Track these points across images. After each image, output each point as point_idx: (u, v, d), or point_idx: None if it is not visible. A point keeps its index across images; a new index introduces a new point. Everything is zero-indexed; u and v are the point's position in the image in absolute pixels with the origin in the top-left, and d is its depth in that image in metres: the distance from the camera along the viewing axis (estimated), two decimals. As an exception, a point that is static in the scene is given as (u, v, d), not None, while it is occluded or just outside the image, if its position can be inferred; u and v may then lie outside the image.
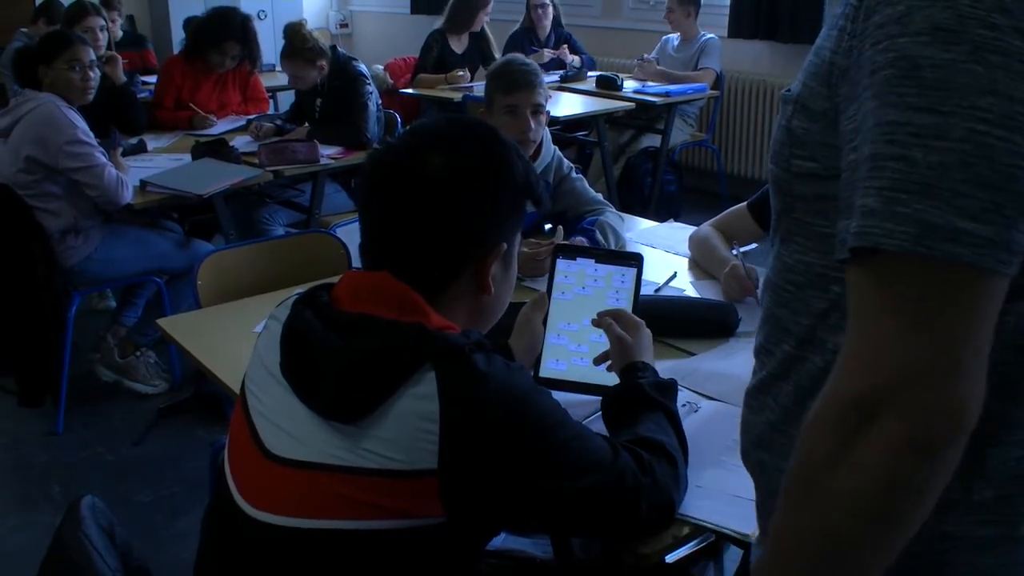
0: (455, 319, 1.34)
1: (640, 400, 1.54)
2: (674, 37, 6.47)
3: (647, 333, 1.72)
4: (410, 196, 1.31)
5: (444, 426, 1.17)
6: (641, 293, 1.85)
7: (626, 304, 1.81)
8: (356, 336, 1.23)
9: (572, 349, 1.83)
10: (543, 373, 1.80)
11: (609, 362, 1.72)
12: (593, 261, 1.88)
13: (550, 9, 6.82)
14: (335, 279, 1.37)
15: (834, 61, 0.92)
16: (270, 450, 1.25)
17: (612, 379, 1.67)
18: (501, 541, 1.83)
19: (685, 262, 2.62)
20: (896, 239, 0.80)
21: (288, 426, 1.25)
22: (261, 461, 1.25)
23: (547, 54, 6.62)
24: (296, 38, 4.50)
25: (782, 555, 0.92)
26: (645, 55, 6.44)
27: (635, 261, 1.87)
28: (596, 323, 1.73)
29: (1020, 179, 0.79)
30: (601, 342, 1.75)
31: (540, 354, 1.81)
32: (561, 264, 1.88)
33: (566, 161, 2.91)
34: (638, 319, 1.74)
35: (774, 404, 1.07)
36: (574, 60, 6.78)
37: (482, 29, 6.46)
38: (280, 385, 1.28)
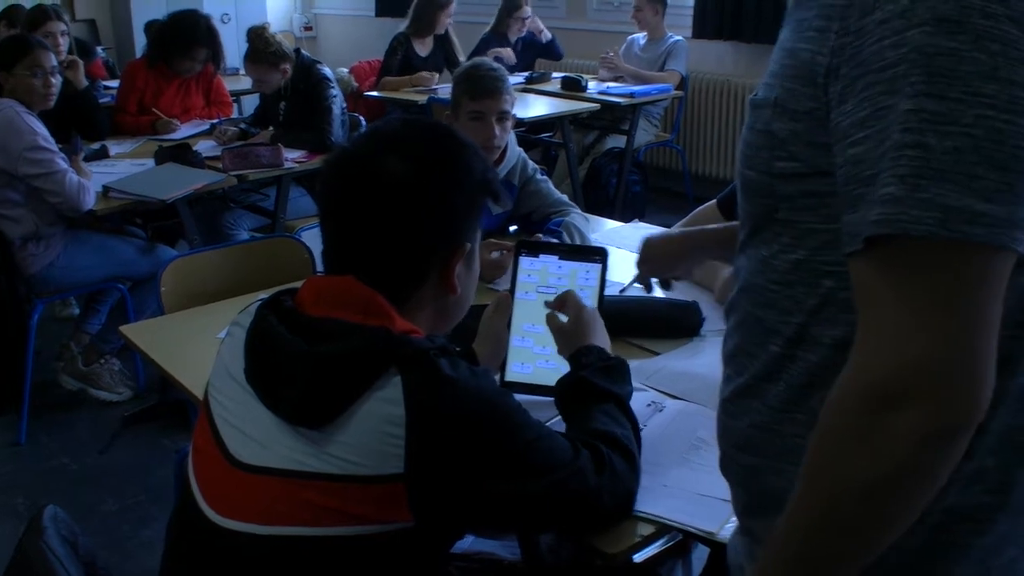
0: (420, 321, 1.34)
1: (589, 393, 1.55)
2: (640, 37, 6.49)
3: (590, 312, 1.72)
4: (370, 200, 1.31)
5: (410, 431, 1.17)
6: (606, 294, 1.84)
7: (591, 302, 1.80)
8: (320, 341, 1.22)
9: (537, 351, 1.82)
10: (509, 377, 1.79)
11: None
12: (556, 258, 1.87)
13: (529, 21, 6.79)
14: (300, 284, 1.37)
15: (818, 61, 0.93)
16: (235, 457, 1.25)
17: (577, 380, 1.67)
18: (469, 544, 1.83)
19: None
20: (923, 225, 0.83)
21: (253, 432, 1.25)
22: (226, 468, 1.25)
23: (507, 56, 6.58)
24: (259, 42, 4.48)
25: (797, 537, 0.94)
26: (609, 51, 6.45)
27: (599, 256, 1.86)
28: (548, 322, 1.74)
29: None
30: None
31: (505, 358, 1.81)
32: (524, 262, 1.86)
33: (531, 163, 2.92)
34: (579, 301, 1.74)
35: (761, 407, 1.07)
36: (545, 32, 6.78)
37: (446, 32, 6.45)
38: (245, 391, 1.28)
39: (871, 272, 0.88)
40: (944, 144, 0.83)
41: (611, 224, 3.16)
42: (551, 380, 1.69)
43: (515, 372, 1.81)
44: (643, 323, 2.14)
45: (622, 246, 2.81)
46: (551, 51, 6.98)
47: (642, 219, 3.43)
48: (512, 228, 2.82)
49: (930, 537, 0.99)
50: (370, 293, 1.28)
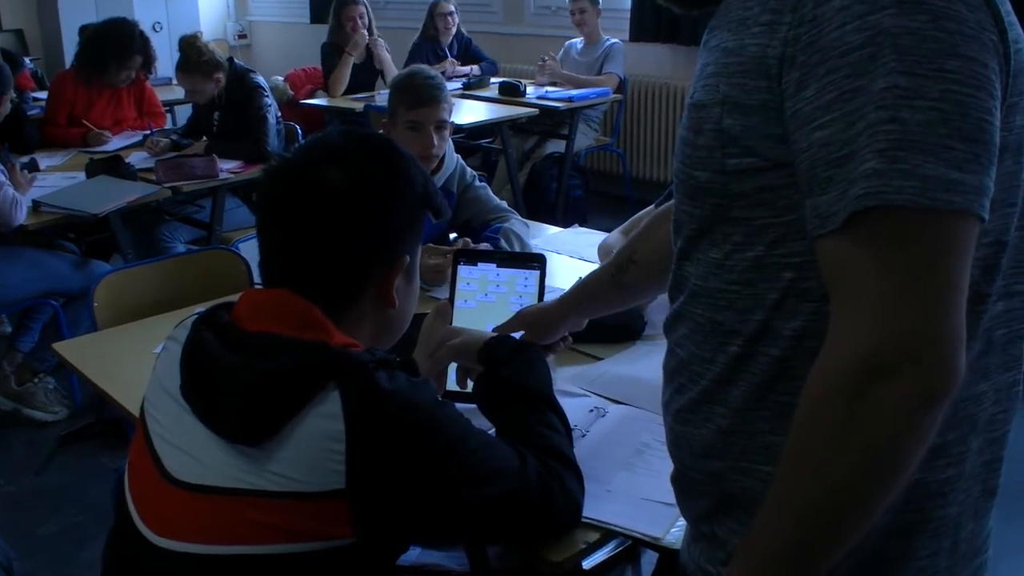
0: (359, 335, 1.33)
1: (515, 394, 1.55)
2: (577, 42, 6.52)
3: (446, 316, 1.76)
4: (309, 212, 1.30)
5: (350, 446, 1.16)
6: (546, 299, 1.85)
7: None
8: (257, 356, 1.22)
9: None
10: (449, 386, 1.79)
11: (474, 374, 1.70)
12: (495, 265, 1.87)
13: (456, 17, 6.83)
14: (236, 297, 1.36)
15: (768, 54, 0.95)
16: (172, 475, 1.23)
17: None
18: (415, 556, 1.82)
19: (592, 268, 2.64)
20: (904, 194, 0.86)
21: (190, 450, 1.23)
22: (163, 487, 1.23)
23: (450, 67, 6.60)
24: (191, 51, 4.44)
25: (790, 524, 0.95)
26: (546, 56, 6.47)
27: (538, 263, 1.87)
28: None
29: (988, 131, 0.89)
30: None
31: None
32: (463, 271, 1.86)
33: (469, 169, 2.92)
34: (445, 306, 1.79)
35: (724, 411, 1.08)
36: (473, 69, 6.80)
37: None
38: (181, 408, 1.26)
39: (849, 249, 0.90)
40: (916, 117, 0.87)
41: (552, 229, 3.17)
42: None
43: (455, 381, 1.80)
44: (585, 328, 2.14)
45: (563, 252, 2.83)
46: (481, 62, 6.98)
47: (583, 224, 3.46)
48: (452, 236, 2.82)
49: (900, 516, 1.02)
50: (307, 307, 1.28)
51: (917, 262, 0.88)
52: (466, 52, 6.99)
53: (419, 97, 2.67)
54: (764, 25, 0.97)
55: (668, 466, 1.23)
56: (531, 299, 1.83)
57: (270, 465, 1.17)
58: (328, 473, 1.16)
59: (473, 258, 1.89)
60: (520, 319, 1.75)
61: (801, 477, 0.94)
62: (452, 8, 6.78)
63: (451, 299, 1.85)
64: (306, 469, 1.16)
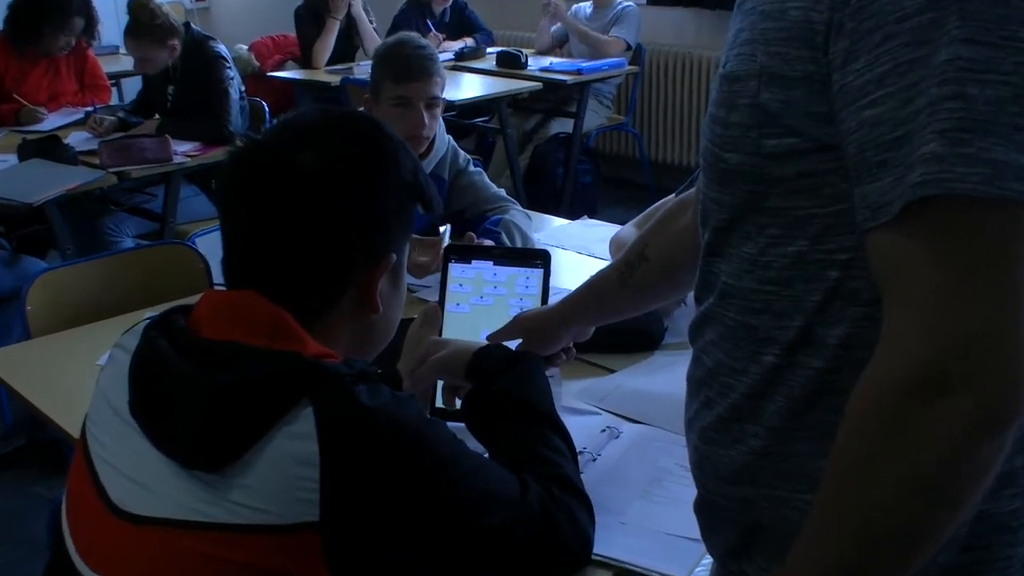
0: (337, 345, 1.33)
1: (512, 410, 1.54)
2: (586, 5, 6.52)
3: (435, 322, 1.75)
4: (279, 201, 1.30)
5: (325, 470, 1.16)
6: (551, 300, 1.84)
7: None
8: (219, 368, 1.21)
9: None
10: (439, 403, 1.79)
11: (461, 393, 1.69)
12: (491, 263, 1.87)
13: None
14: (195, 299, 1.36)
15: (813, 19, 0.96)
16: (117, 505, 1.23)
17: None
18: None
19: (603, 265, 2.64)
20: (969, 182, 0.86)
21: (139, 476, 1.23)
22: (107, 518, 1.23)
23: (434, 40, 6.57)
24: (142, 13, 4.44)
25: (829, 561, 0.95)
26: None
27: (541, 260, 1.86)
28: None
29: None
30: None
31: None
32: (455, 270, 1.86)
33: (462, 153, 2.93)
34: (434, 310, 1.77)
35: (757, 429, 1.09)
36: (467, 43, 6.79)
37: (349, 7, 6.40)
38: (129, 427, 1.26)
39: (904, 244, 0.90)
40: (985, 93, 0.86)
41: (558, 222, 3.18)
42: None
43: (442, 400, 1.80)
44: (595, 336, 2.14)
45: (570, 247, 2.84)
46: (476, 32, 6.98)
47: (593, 215, 3.46)
48: (442, 228, 2.82)
49: (962, 554, 1.02)
50: (277, 311, 1.27)
51: (982, 260, 0.88)
52: (460, 20, 6.97)
53: (408, 69, 2.66)
54: None
55: (691, 494, 1.23)
56: (533, 302, 1.83)
57: (231, 494, 1.17)
58: (299, 503, 1.16)
59: (467, 255, 1.89)
60: (517, 325, 1.75)
61: (843, 506, 0.94)
62: None
63: (441, 302, 1.84)
64: (273, 498, 1.16)
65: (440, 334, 1.80)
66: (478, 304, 1.85)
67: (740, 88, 1.04)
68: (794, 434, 1.06)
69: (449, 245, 1.97)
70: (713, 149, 1.09)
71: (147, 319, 1.36)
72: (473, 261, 1.87)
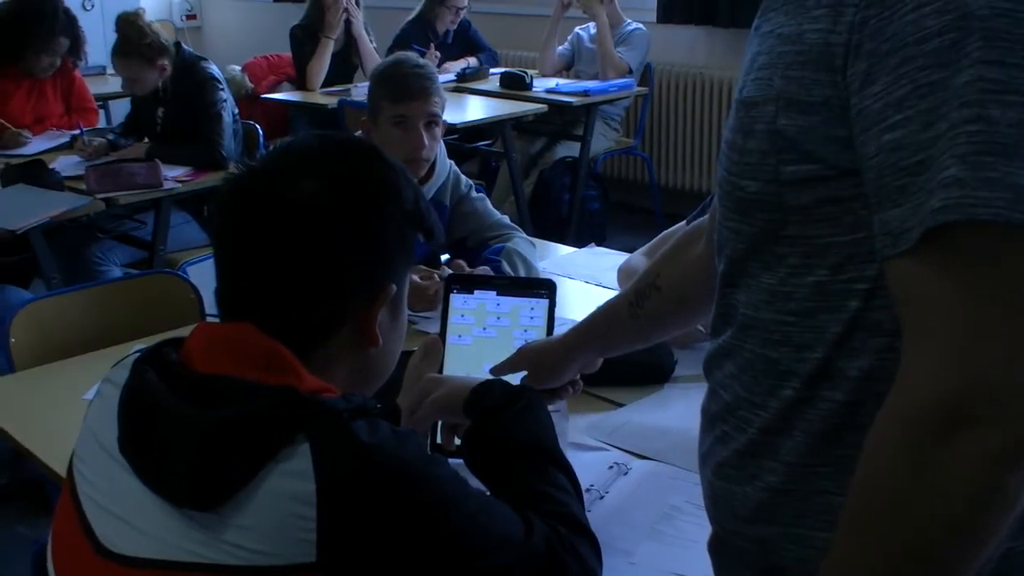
0: (334, 379, 1.33)
1: (514, 450, 1.53)
2: (590, 26, 6.51)
3: (436, 354, 1.74)
4: (276, 230, 1.30)
5: (322, 510, 1.16)
6: (556, 332, 1.84)
7: None
8: (212, 403, 1.22)
9: None
10: (440, 439, 1.79)
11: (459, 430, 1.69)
12: (495, 293, 1.87)
13: (464, 12, 6.82)
14: (186, 331, 1.36)
15: (832, 41, 0.97)
16: (106, 546, 1.23)
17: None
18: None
19: (611, 295, 2.65)
20: (993, 207, 0.86)
21: (128, 516, 1.23)
22: (94, 559, 1.24)
23: (432, 58, 6.58)
24: (131, 31, 4.46)
25: None
26: None
27: (546, 290, 1.87)
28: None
29: None
30: None
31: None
32: (456, 300, 1.86)
33: (464, 178, 2.94)
34: (435, 342, 1.75)
35: (776, 465, 1.09)
36: (470, 62, 6.80)
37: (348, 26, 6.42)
38: (118, 465, 1.27)
39: (924, 273, 0.91)
40: (1008, 115, 0.87)
41: (564, 250, 3.19)
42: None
43: (440, 439, 1.80)
44: (603, 368, 2.14)
45: (577, 276, 2.84)
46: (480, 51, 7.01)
47: (601, 243, 3.47)
48: (444, 257, 2.83)
49: None
50: (272, 344, 1.28)
51: (1006, 289, 0.88)
52: (464, 39, 6.98)
53: (407, 88, 2.69)
54: (827, 7, 0.98)
55: (703, 533, 1.23)
56: (538, 333, 1.83)
57: (226, 534, 1.17)
58: (295, 543, 1.16)
59: (469, 284, 1.89)
60: (521, 357, 1.75)
61: (861, 544, 0.94)
62: (465, 2, 6.73)
63: (442, 334, 1.85)
64: (269, 538, 1.16)
65: (441, 367, 1.79)
66: (481, 336, 1.85)
67: (757, 113, 1.05)
68: (814, 471, 1.06)
69: (451, 275, 1.98)
70: (730, 177, 1.10)
71: (136, 352, 1.36)
72: (476, 291, 1.87)
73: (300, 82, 6.37)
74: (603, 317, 1.73)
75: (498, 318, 1.85)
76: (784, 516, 1.09)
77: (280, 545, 1.16)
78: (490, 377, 1.70)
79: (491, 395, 1.61)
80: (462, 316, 1.86)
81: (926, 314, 0.91)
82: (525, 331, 1.83)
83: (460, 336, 1.85)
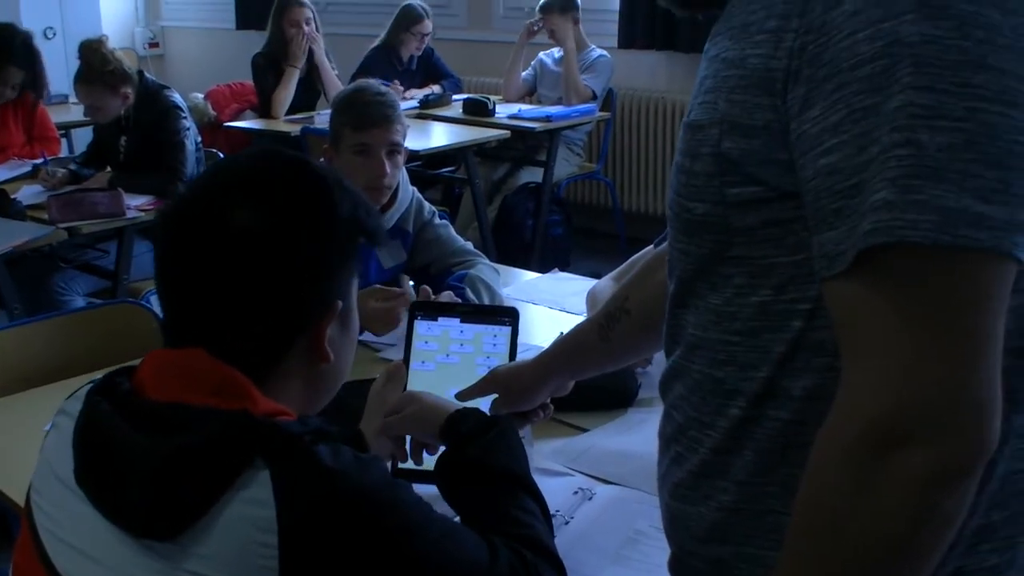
0: (288, 397, 1.33)
1: (485, 476, 1.53)
2: (556, 50, 6.56)
3: (399, 380, 1.76)
4: (213, 257, 1.29)
5: (284, 537, 1.16)
6: (519, 358, 1.85)
7: None
8: (166, 431, 1.21)
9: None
10: (403, 464, 1.79)
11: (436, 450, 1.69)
12: (458, 320, 1.87)
13: (428, 39, 6.83)
14: (139, 361, 1.35)
15: (773, 66, 0.98)
16: (65, 579, 1.22)
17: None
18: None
19: (575, 321, 2.65)
20: (920, 229, 0.87)
21: (87, 547, 1.22)
22: (54, 593, 1.22)
23: (396, 88, 6.59)
24: (94, 58, 4.44)
25: None
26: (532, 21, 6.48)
27: (509, 318, 1.87)
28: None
29: (1021, 155, 0.89)
30: None
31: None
32: (420, 327, 1.86)
33: (427, 205, 2.94)
34: (398, 368, 1.77)
35: (727, 484, 1.10)
36: (434, 90, 6.81)
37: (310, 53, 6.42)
38: (75, 496, 1.25)
39: (858, 294, 0.92)
40: (936, 140, 0.88)
41: (528, 275, 3.19)
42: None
43: (410, 455, 1.80)
44: (567, 394, 2.15)
45: (541, 302, 2.84)
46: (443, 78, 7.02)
47: (565, 268, 3.48)
48: (411, 283, 2.83)
49: None
50: (223, 368, 1.27)
51: (936, 310, 0.89)
52: (428, 65, 7.00)
53: (368, 117, 2.69)
54: (769, 32, 0.99)
55: (667, 557, 1.23)
56: (500, 360, 1.83)
57: (186, 563, 1.16)
58: (257, 570, 1.15)
59: (432, 311, 1.89)
60: (493, 380, 1.75)
61: (804, 563, 0.95)
62: (430, 28, 6.75)
63: (406, 360, 1.84)
64: (230, 566, 1.15)
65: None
66: (444, 362, 1.85)
67: (703, 137, 1.06)
68: (763, 489, 1.07)
69: (415, 302, 1.98)
70: (679, 199, 1.11)
71: (90, 383, 1.35)
72: (440, 318, 1.88)
73: (263, 110, 6.36)
74: (574, 340, 1.74)
75: (461, 345, 1.85)
76: (736, 536, 1.10)
77: (241, 572, 1.15)
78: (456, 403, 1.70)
79: (467, 421, 1.61)
80: (426, 343, 1.86)
81: (860, 335, 0.92)
82: (488, 358, 1.83)
83: (423, 362, 1.85)
